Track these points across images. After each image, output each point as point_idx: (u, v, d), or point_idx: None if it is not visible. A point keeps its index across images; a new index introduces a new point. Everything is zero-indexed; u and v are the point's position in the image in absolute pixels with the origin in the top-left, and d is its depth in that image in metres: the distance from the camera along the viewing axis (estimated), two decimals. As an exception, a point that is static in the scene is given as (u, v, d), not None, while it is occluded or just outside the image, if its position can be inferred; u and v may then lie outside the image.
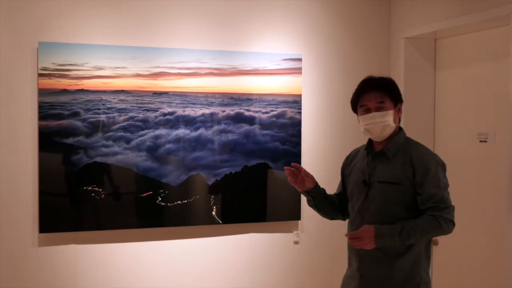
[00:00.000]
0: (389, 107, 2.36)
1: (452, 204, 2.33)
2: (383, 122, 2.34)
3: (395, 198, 2.33)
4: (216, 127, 3.75)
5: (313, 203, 2.59)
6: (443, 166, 2.39)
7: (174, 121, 3.66)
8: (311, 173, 3.92)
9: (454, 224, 2.30)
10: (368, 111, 2.37)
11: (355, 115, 2.47)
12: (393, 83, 2.42)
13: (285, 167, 2.51)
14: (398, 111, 2.40)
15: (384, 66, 4.16)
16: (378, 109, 2.35)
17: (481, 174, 3.57)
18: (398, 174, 2.33)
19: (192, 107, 3.70)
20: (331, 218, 2.68)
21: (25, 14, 3.41)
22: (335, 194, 2.68)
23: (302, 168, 2.52)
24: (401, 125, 3.88)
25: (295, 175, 2.51)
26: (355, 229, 2.36)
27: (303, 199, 3.94)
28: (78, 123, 3.47)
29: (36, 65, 3.40)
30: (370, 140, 2.48)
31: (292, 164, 2.52)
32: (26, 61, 3.41)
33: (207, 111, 3.73)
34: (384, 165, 2.39)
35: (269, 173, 3.86)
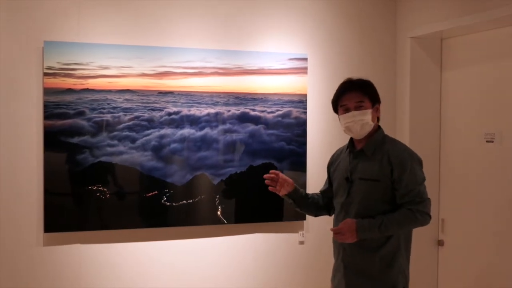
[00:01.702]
0: (367, 107, 2.53)
1: (428, 197, 2.48)
2: (362, 120, 2.51)
3: (375, 194, 2.49)
4: (221, 127, 3.74)
5: (294, 205, 2.80)
6: (419, 162, 2.53)
7: (179, 121, 3.65)
8: (315, 172, 3.96)
9: (430, 217, 2.47)
10: (347, 110, 2.54)
11: None
12: (371, 85, 2.60)
13: (264, 176, 2.70)
14: (376, 111, 2.58)
15: (390, 66, 4.15)
16: (357, 108, 2.52)
17: (488, 174, 3.55)
18: (377, 172, 2.49)
19: (197, 107, 3.69)
20: (315, 215, 2.90)
21: (30, 13, 3.41)
22: (320, 191, 2.87)
23: (280, 174, 2.72)
24: (407, 125, 3.92)
25: (275, 181, 2.71)
26: (339, 223, 2.53)
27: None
28: (83, 123, 3.46)
29: (42, 64, 3.39)
30: (351, 140, 2.65)
31: (271, 171, 2.72)
32: (31, 60, 3.41)
33: (212, 110, 3.72)
34: (364, 163, 2.55)
35: (274, 173, 3.84)
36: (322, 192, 2.85)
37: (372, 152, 2.53)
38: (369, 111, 2.52)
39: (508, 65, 3.41)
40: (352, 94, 2.54)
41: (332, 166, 2.80)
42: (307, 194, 2.81)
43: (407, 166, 2.45)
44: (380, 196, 2.48)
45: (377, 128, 2.60)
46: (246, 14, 3.85)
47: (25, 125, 3.41)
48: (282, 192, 2.73)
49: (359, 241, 2.46)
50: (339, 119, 2.60)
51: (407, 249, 2.55)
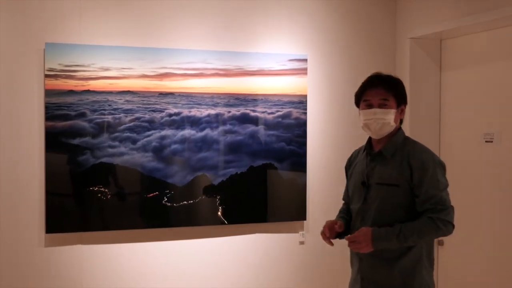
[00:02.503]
0: (391, 106, 2.35)
1: (452, 204, 2.30)
2: (383, 120, 2.33)
3: (393, 200, 2.31)
4: (221, 128, 3.75)
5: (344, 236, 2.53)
6: (442, 166, 2.34)
7: (180, 122, 3.66)
8: (315, 173, 3.91)
9: (453, 226, 2.28)
10: (370, 106, 2.36)
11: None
12: (400, 84, 2.42)
13: (327, 242, 2.46)
14: (400, 112, 2.40)
15: (390, 66, 4.15)
16: (381, 106, 2.34)
17: (487, 174, 3.56)
18: (396, 176, 2.31)
19: (198, 108, 3.70)
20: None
21: (31, 15, 3.42)
22: (343, 199, 2.68)
23: (329, 231, 2.46)
24: (407, 125, 3.93)
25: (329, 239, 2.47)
26: (355, 231, 2.36)
27: (309, 199, 3.95)
28: (85, 124, 3.47)
29: (43, 66, 3.41)
30: (369, 140, 2.47)
31: (322, 235, 2.48)
32: (33, 62, 3.42)
33: (212, 111, 3.73)
34: (382, 166, 2.37)
35: (275, 174, 3.86)
36: (345, 199, 2.66)
37: (392, 154, 2.35)
38: (393, 111, 2.34)
39: (507, 66, 3.43)
40: (378, 90, 2.35)
41: (349, 169, 2.60)
42: (346, 219, 2.55)
43: (428, 170, 2.26)
44: (399, 202, 2.30)
45: (398, 130, 2.41)
46: (246, 15, 3.87)
47: (27, 127, 3.43)
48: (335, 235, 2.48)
49: (377, 252, 2.28)
50: (359, 113, 2.42)
51: (430, 259, 2.36)
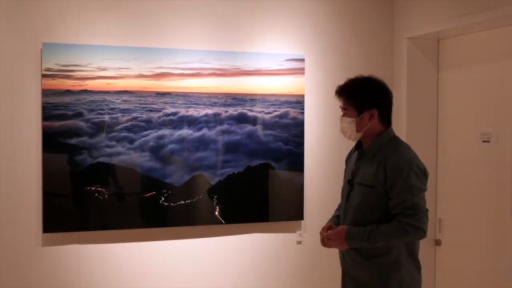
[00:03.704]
0: (351, 115, 2.39)
1: (426, 209, 2.31)
2: (343, 128, 2.43)
3: (370, 201, 2.35)
4: (219, 128, 3.75)
5: None
6: (419, 171, 2.31)
7: (177, 122, 3.67)
8: (313, 173, 3.94)
9: (424, 231, 2.28)
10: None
11: None
12: (361, 90, 2.40)
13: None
14: (369, 118, 2.37)
15: (387, 66, 4.16)
16: (343, 115, 2.43)
17: (484, 174, 3.56)
18: (373, 177, 2.33)
19: (195, 108, 3.71)
20: None
21: (29, 15, 3.43)
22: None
23: (324, 233, 2.50)
24: (404, 125, 3.94)
25: None
26: None
27: (306, 199, 3.96)
28: (82, 124, 3.48)
29: (40, 66, 3.41)
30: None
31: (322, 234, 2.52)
32: (30, 62, 3.42)
33: (210, 111, 3.74)
34: (365, 165, 2.40)
35: (272, 173, 3.86)
36: None
37: (373, 155, 2.37)
38: (351, 119, 2.37)
39: (504, 65, 3.43)
40: (340, 99, 2.44)
41: (347, 162, 2.64)
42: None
43: (401, 174, 2.26)
44: (376, 203, 2.33)
45: (385, 129, 2.42)
46: (243, 15, 3.87)
47: (24, 126, 3.43)
48: None
49: (355, 250, 2.35)
50: None
51: (414, 259, 2.39)
